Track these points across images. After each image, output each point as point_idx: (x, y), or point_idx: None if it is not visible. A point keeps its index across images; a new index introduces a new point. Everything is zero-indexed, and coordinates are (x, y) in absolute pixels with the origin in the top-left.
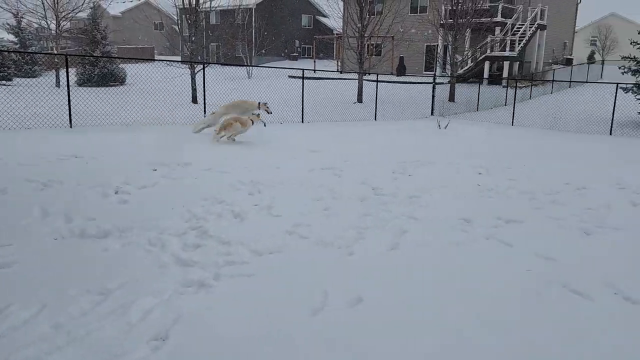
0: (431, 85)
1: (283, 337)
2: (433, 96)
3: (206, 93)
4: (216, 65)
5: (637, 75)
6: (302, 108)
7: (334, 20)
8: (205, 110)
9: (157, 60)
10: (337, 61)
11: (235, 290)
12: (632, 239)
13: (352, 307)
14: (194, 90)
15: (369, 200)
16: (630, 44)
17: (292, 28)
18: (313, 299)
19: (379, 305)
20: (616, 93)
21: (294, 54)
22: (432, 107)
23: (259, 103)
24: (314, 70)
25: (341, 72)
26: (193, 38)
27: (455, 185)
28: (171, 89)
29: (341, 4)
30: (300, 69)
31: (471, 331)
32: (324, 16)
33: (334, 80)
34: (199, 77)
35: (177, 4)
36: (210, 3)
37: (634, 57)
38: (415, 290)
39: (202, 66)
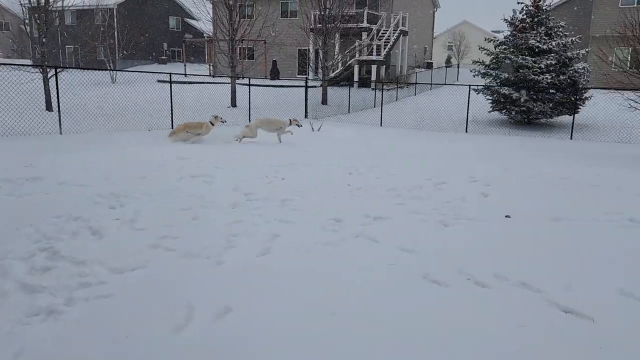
0: (304, 88)
1: (141, 359)
2: (306, 99)
3: (63, 99)
4: (75, 69)
5: (486, 78)
6: (172, 114)
7: (204, 24)
8: (60, 118)
9: (2, 64)
10: (209, 65)
11: (91, 314)
12: (482, 227)
13: (220, 319)
14: (47, 96)
15: (241, 207)
16: (479, 49)
17: (160, 30)
18: (177, 315)
19: (248, 314)
20: (469, 94)
21: (163, 58)
22: (306, 110)
23: (290, 120)
24: (185, 75)
25: (214, 76)
26: (44, 40)
27: (327, 187)
28: (20, 96)
29: (210, 6)
30: (168, 73)
31: (343, 332)
32: (194, 19)
33: (207, 85)
34: (53, 83)
35: (23, 2)
36: (63, 2)
37: (483, 61)
38: (285, 295)
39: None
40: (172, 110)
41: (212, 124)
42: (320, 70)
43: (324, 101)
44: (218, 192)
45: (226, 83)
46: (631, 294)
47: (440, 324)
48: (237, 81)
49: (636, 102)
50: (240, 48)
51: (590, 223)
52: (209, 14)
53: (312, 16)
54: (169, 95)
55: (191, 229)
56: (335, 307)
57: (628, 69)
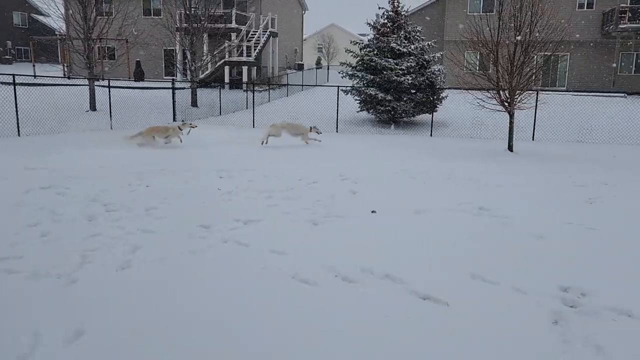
0: (171, 90)
1: None
2: (174, 102)
3: None
4: None
5: (353, 79)
6: (17, 119)
7: (54, 20)
8: None
9: None
10: (64, 65)
11: None
12: (350, 224)
13: (71, 343)
14: None
15: (99, 218)
16: (346, 51)
17: (2, 27)
18: (20, 344)
19: (103, 337)
20: (338, 95)
21: (7, 57)
22: (174, 112)
23: (310, 127)
24: (34, 76)
25: (69, 78)
26: None
27: (196, 192)
28: None
29: (60, 1)
30: (12, 74)
31: (213, 346)
32: (43, 15)
33: (61, 87)
34: None
35: None
36: None
37: (350, 63)
38: (147, 312)
39: None
40: (17, 115)
41: (180, 129)
42: (188, 72)
43: (194, 103)
44: (73, 204)
45: (84, 85)
46: (480, 277)
47: (306, 323)
48: (97, 83)
49: (484, 101)
50: (98, 47)
51: (446, 213)
52: (59, 9)
53: (177, 15)
54: (14, 98)
55: (39, 247)
56: (199, 321)
57: (477, 70)
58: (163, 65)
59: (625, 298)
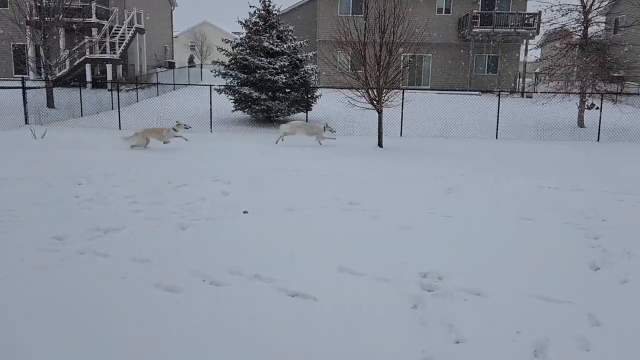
0: (22, 90)
1: None
2: (25, 102)
3: None
4: None
5: (226, 78)
6: None
7: None
8: None
9: None
10: None
11: None
12: (220, 225)
13: None
14: None
15: None
16: (218, 50)
17: None
18: None
19: None
20: (211, 94)
21: None
22: (26, 114)
23: (324, 125)
24: None
25: None
26: None
27: (49, 200)
28: None
29: None
30: None
31: None
32: None
33: None
34: None
35: None
36: None
37: (222, 61)
38: None
39: None
40: None
41: (175, 130)
42: (43, 70)
43: (50, 104)
44: None
45: None
46: (348, 269)
47: (166, 333)
48: None
49: (355, 100)
50: None
51: (318, 210)
52: None
53: (27, 7)
54: None
55: None
56: (37, 345)
57: (347, 70)
58: (12, 63)
59: (474, 279)
